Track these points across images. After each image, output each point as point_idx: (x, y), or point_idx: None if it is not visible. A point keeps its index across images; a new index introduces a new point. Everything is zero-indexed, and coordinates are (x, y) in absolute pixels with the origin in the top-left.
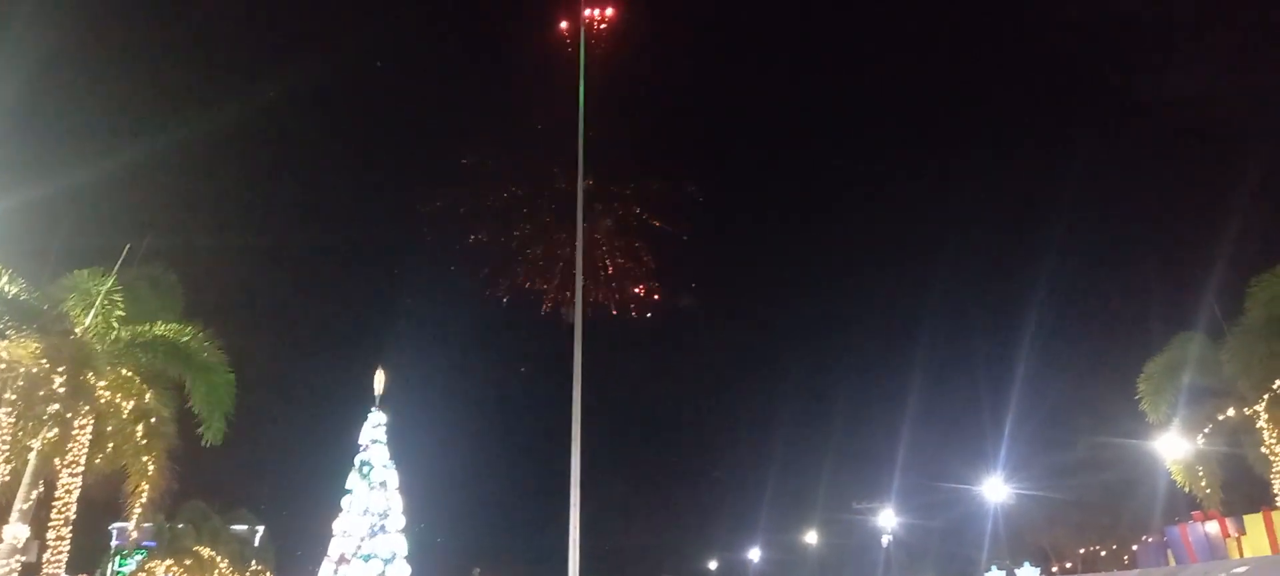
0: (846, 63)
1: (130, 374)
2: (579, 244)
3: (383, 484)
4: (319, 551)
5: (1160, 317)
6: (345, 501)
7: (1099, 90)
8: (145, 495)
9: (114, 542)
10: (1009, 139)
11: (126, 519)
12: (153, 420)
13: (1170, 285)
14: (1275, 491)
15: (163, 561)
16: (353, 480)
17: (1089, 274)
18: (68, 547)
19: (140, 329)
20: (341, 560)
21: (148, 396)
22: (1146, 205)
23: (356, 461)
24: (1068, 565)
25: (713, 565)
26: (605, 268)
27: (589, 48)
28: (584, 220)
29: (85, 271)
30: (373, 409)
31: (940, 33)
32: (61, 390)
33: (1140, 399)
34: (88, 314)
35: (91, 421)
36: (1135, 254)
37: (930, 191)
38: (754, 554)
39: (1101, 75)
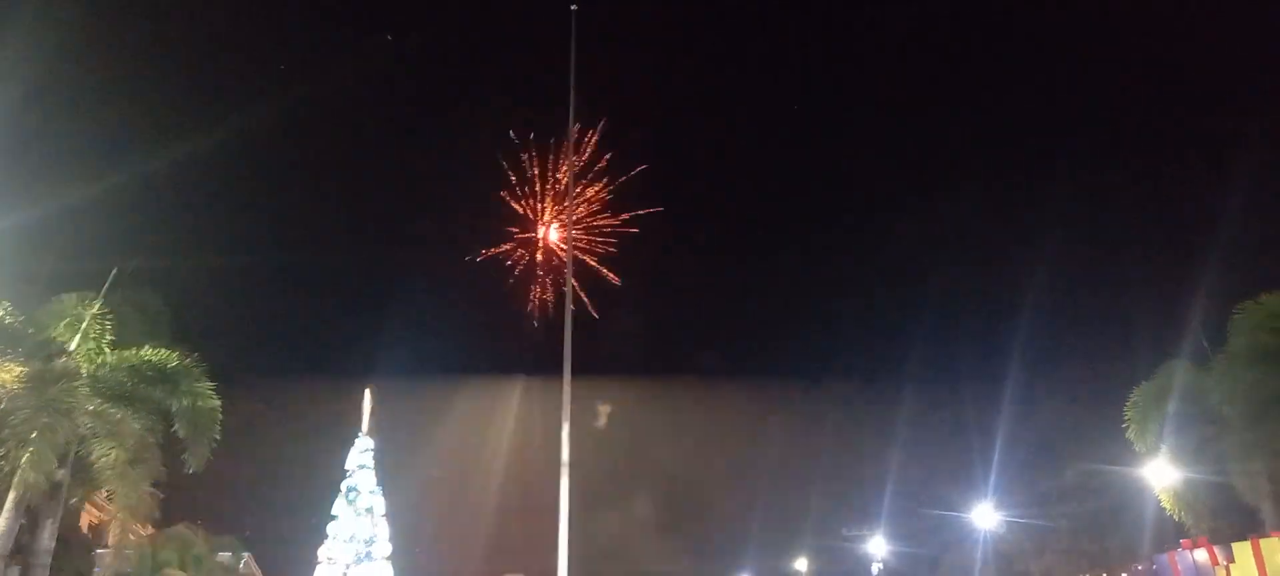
0: (826, 91)
1: (116, 399)
2: (569, 289)
3: (370, 510)
4: None
5: (1146, 346)
6: (331, 527)
7: (1084, 117)
8: (128, 522)
9: (96, 571)
10: (994, 167)
11: (109, 545)
12: (138, 446)
13: (1156, 313)
14: (1264, 519)
15: None
16: (339, 506)
17: (1075, 302)
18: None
19: (127, 353)
20: None
21: (134, 422)
22: (1132, 233)
23: (343, 487)
24: None
25: None
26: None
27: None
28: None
29: (72, 296)
30: (360, 434)
31: (923, 64)
32: (45, 417)
33: (1127, 427)
34: (75, 338)
35: (76, 447)
36: (1121, 282)
37: (916, 217)
38: None
39: (1086, 101)
